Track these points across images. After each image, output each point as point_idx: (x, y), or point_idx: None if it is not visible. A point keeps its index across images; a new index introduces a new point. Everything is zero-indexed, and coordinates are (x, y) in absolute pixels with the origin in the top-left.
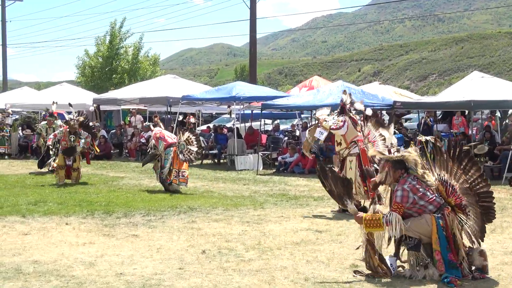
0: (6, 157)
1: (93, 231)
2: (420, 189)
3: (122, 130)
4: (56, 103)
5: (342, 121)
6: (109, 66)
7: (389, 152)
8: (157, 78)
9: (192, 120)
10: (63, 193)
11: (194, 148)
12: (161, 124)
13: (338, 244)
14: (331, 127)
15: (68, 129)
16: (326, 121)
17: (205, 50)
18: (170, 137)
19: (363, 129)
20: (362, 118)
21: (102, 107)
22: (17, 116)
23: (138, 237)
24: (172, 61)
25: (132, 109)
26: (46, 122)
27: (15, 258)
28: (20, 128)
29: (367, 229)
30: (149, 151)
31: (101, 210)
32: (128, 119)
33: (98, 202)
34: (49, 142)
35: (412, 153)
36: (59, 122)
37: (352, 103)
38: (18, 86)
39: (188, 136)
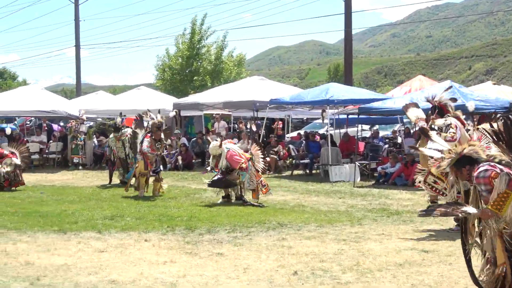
0: (80, 167)
1: (174, 249)
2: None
3: (204, 137)
4: (124, 116)
5: (453, 126)
6: (190, 68)
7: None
8: (243, 80)
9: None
10: (141, 207)
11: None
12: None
13: (448, 266)
14: (447, 139)
15: (153, 136)
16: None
17: (295, 48)
18: (243, 155)
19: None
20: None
21: (183, 113)
22: (91, 123)
23: (223, 255)
24: (259, 61)
25: (216, 114)
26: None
27: (91, 278)
28: (94, 136)
29: (504, 210)
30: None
31: (183, 225)
32: (211, 125)
33: (179, 217)
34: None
35: (469, 145)
36: (128, 130)
37: (450, 99)
38: (93, 90)
39: (256, 149)
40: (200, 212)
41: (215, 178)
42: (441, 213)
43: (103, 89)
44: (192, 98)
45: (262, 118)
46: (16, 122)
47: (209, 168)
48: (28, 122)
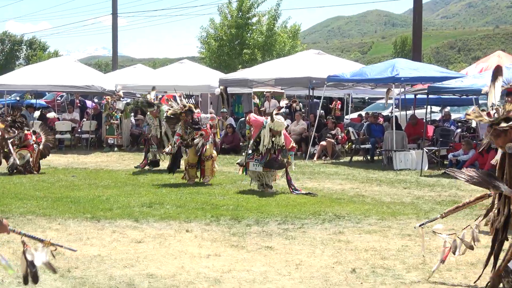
0: (116, 149)
1: (218, 241)
2: None
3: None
4: (165, 92)
5: None
6: (239, 39)
7: (489, 115)
8: (297, 54)
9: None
10: (182, 193)
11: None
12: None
13: None
14: None
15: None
16: None
17: (356, 19)
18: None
19: None
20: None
21: (230, 90)
22: (129, 100)
23: (272, 249)
24: (316, 33)
25: (266, 92)
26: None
27: (127, 271)
28: (132, 114)
29: None
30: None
31: (228, 215)
32: (261, 104)
33: (224, 205)
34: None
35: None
36: (165, 108)
37: None
38: (131, 64)
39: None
40: (248, 200)
41: (267, 158)
42: (467, 177)
43: (142, 63)
44: (241, 74)
45: (319, 97)
46: (45, 97)
47: (250, 151)
48: (59, 98)
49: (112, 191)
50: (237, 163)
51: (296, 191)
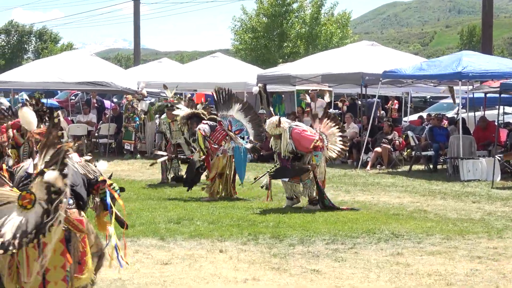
0: (138, 155)
1: (257, 263)
2: None
3: (297, 119)
4: (194, 91)
5: None
6: (278, 30)
7: None
8: (347, 46)
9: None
10: (215, 208)
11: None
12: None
13: None
14: None
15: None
16: None
17: (416, 5)
18: (312, 132)
19: None
20: None
21: (269, 88)
22: (153, 100)
23: (320, 273)
24: (368, 22)
25: (312, 90)
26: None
27: None
28: (157, 116)
29: None
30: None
31: (268, 233)
32: (306, 104)
33: (264, 221)
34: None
35: None
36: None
37: None
38: (155, 58)
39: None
40: (291, 216)
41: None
42: None
43: (168, 56)
44: (282, 69)
45: (373, 96)
46: (57, 97)
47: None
48: (73, 97)
49: (134, 204)
50: (261, 187)
51: (334, 207)
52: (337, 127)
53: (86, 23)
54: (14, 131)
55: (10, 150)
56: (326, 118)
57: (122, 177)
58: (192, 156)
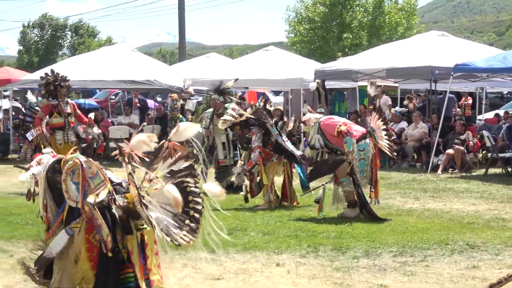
0: None
1: (317, 278)
2: None
3: (359, 119)
4: (246, 88)
5: None
6: (337, 20)
7: None
8: (414, 37)
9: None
10: (271, 217)
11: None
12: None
13: None
14: None
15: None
16: None
17: None
18: (338, 119)
19: None
20: None
21: (328, 84)
22: (200, 98)
23: None
24: (437, 9)
25: (368, 82)
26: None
27: None
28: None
29: None
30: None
31: (330, 244)
32: (367, 101)
33: (324, 232)
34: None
35: None
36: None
37: None
38: (202, 52)
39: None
40: (354, 226)
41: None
42: None
43: (216, 51)
44: (341, 64)
45: (443, 92)
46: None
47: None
48: (113, 97)
49: None
50: (315, 201)
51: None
52: (381, 120)
53: (126, 15)
54: None
55: None
56: (374, 112)
57: None
58: (224, 162)
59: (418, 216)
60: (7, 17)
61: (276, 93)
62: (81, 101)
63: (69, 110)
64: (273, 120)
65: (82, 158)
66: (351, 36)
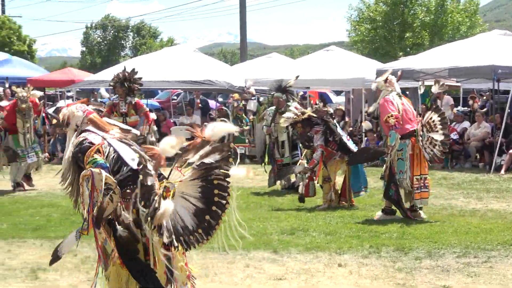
0: (247, 160)
1: (380, 278)
2: None
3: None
4: (307, 88)
5: None
6: (399, 19)
7: None
8: (477, 36)
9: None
10: (332, 217)
11: (438, 136)
12: None
13: None
14: None
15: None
16: None
17: None
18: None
19: None
20: None
21: None
22: (262, 99)
23: None
24: (500, 8)
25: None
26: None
27: None
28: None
29: None
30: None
31: (392, 245)
32: (430, 101)
33: (386, 232)
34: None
35: None
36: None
37: None
38: (263, 53)
39: (431, 118)
40: (416, 226)
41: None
42: None
43: (277, 51)
44: (403, 63)
45: (507, 92)
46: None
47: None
48: (175, 97)
49: (244, 214)
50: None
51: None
52: (439, 122)
53: (188, 16)
54: None
55: None
56: (431, 111)
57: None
58: (281, 160)
59: (481, 217)
60: (70, 18)
61: (338, 93)
62: (143, 101)
63: (125, 109)
64: (335, 120)
65: (96, 170)
66: (412, 36)
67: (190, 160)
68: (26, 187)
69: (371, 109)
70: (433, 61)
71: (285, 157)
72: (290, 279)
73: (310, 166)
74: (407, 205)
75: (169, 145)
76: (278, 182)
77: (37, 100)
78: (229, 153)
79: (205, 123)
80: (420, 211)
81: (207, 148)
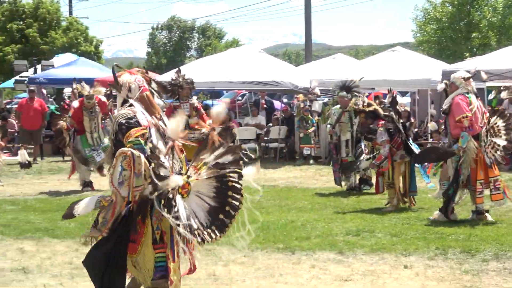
0: (311, 161)
1: (446, 280)
2: None
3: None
4: (374, 88)
5: None
6: (465, 19)
7: None
8: None
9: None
10: (398, 219)
11: (501, 142)
12: None
13: None
14: None
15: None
16: None
17: None
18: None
19: None
20: None
21: None
22: (327, 99)
23: None
24: None
25: (503, 87)
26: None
27: None
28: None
29: None
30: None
31: (458, 247)
32: (496, 102)
33: (453, 234)
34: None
35: None
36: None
37: None
38: (328, 53)
39: (495, 123)
40: (483, 228)
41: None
42: None
43: (342, 51)
44: (470, 64)
45: None
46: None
47: None
48: (240, 98)
49: (309, 215)
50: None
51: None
52: (504, 125)
53: (253, 17)
54: None
55: None
56: (496, 116)
57: (294, 184)
58: (346, 159)
59: None
60: (136, 19)
61: (403, 93)
62: (209, 102)
63: (188, 112)
64: (401, 121)
65: (136, 153)
66: (479, 36)
67: (205, 160)
68: (95, 187)
69: (445, 106)
70: (500, 62)
71: (348, 156)
72: (355, 280)
73: (377, 162)
74: (473, 207)
75: (176, 127)
76: (343, 183)
77: (105, 99)
78: (241, 154)
79: (269, 124)
80: (486, 213)
81: (221, 149)
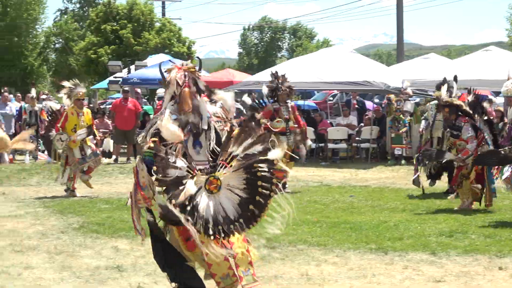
0: (403, 161)
1: None
2: None
3: None
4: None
5: None
6: None
7: None
8: None
9: None
10: (492, 219)
11: None
12: None
13: None
14: None
15: None
16: None
17: None
18: None
19: None
20: None
21: None
22: (418, 99)
23: None
24: None
25: None
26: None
27: None
28: (423, 117)
29: None
30: None
31: None
32: None
33: None
34: None
35: None
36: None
37: None
38: (419, 53)
39: None
40: None
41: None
42: None
43: (434, 51)
44: None
45: None
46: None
47: None
48: (331, 98)
49: (401, 215)
50: None
51: None
52: None
53: (344, 17)
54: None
55: None
56: None
57: (386, 185)
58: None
59: None
60: (228, 20)
61: (497, 93)
62: (300, 102)
63: (287, 115)
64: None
65: (140, 166)
66: None
67: (234, 152)
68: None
69: (510, 117)
70: None
71: None
72: (449, 281)
73: (463, 156)
74: None
75: (174, 130)
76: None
77: None
78: (270, 143)
79: (361, 124)
80: None
81: (249, 140)
